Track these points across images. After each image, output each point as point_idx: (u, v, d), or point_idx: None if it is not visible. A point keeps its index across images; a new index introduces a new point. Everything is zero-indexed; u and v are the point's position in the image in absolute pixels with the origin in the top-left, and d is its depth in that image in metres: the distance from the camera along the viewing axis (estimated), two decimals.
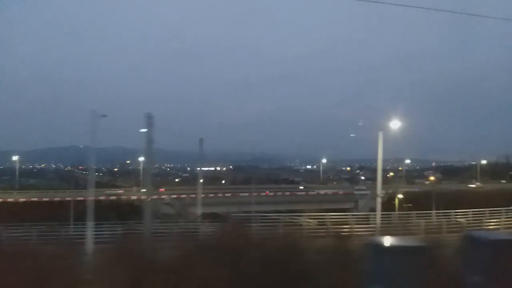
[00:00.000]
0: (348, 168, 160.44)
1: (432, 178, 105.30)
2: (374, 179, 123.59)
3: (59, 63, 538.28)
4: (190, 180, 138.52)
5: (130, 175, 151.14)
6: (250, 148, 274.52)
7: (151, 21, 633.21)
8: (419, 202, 60.39)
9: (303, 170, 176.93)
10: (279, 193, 63.79)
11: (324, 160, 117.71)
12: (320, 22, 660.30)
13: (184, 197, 54.02)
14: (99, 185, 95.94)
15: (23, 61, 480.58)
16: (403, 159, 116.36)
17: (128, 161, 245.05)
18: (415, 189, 69.60)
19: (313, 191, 65.08)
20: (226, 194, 61.10)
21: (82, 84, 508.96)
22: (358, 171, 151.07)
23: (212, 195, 58.06)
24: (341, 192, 64.77)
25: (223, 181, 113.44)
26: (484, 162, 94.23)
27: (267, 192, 64.33)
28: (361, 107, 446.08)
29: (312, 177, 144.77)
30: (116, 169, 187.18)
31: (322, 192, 64.48)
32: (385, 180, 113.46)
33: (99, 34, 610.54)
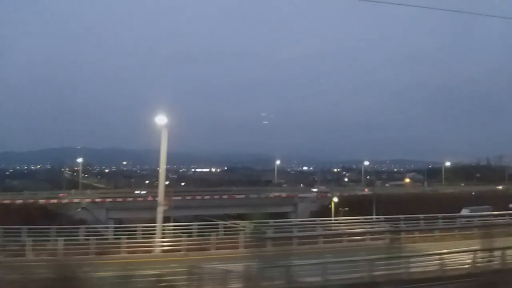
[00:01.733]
0: (335, 170, 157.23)
1: (407, 180, 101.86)
2: (358, 180, 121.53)
3: (56, 62, 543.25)
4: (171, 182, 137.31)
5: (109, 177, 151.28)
6: (250, 149, 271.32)
7: (148, 21, 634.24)
8: (362, 206, 57.85)
9: (294, 172, 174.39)
10: (224, 197, 61.36)
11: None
12: (318, 24, 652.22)
13: (100, 201, 51.86)
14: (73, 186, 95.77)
15: (20, 60, 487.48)
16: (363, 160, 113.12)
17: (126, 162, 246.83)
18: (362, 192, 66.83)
19: (255, 195, 62.21)
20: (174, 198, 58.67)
21: (81, 83, 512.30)
22: (344, 172, 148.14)
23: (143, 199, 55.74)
24: (284, 195, 61.88)
25: (183, 183, 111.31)
26: (448, 164, 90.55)
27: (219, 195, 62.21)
28: (359, 108, 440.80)
29: (296, 179, 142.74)
30: (107, 170, 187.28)
31: (263, 195, 61.68)
32: (339, 182, 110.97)
33: (98, 34, 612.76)
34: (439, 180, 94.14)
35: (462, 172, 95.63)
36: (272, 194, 62.40)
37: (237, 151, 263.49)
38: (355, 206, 57.77)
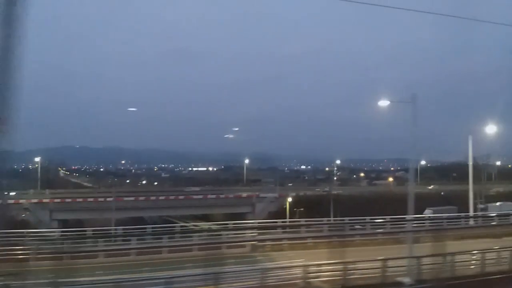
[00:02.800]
0: (327, 169, 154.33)
1: (390, 179, 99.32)
2: (347, 179, 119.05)
3: (54, 61, 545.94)
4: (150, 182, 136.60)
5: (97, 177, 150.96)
6: (249, 149, 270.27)
7: (145, 20, 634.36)
8: (321, 205, 56.25)
9: (288, 171, 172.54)
10: (180, 197, 59.54)
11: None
12: (316, 21, 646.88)
13: (47, 202, 50.61)
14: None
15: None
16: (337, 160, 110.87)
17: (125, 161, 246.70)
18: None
19: (213, 195, 60.40)
20: (126, 199, 57.30)
21: (79, 83, 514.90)
22: (335, 171, 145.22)
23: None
24: (244, 195, 60.02)
25: (156, 183, 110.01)
26: (423, 162, 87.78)
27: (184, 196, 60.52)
28: (359, 106, 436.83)
29: (287, 178, 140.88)
30: (102, 169, 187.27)
31: (223, 196, 59.81)
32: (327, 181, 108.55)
33: (98, 33, 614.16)
34: (425, 178, 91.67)
35: (449, 171, 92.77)
36: (232, 194, 60.56)
37: (236, 150, 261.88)
38: (314, 206, 56.09)
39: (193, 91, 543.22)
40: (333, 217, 50.11)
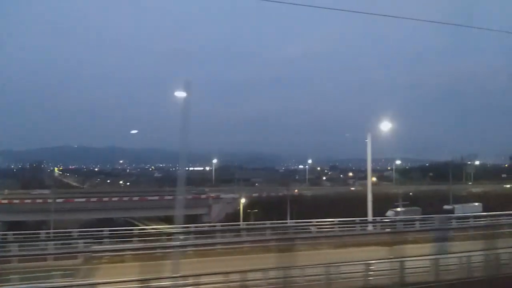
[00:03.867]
0: (319, 168, 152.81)
1: (374, 179, 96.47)
2: (336, 179, 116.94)
3: (51, 60, 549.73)
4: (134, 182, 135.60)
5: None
6: (248, 148, 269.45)
7: (144, 20, 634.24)
8: (279, 207, 54.38)
9: (282, 171, 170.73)
10: (135, 198, 57.76)
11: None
12: (316, 23, 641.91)
13: None
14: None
15: (15, 59, 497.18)
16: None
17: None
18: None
19: (170, 196, 58.31)
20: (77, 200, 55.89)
21: (78, 83, 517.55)
22: (326, 171, 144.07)
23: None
24: (203, 196, 58.16)
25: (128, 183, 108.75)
26: (398, 162, 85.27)
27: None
28: (358, 107, 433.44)
29: (277, 178, 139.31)
30: (96, 169, 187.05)
31: (181, 196, 57.55)
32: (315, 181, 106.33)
33: (97, 33, 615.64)
34: (410, 178, 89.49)
35: (432, 171, 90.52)
36: (191, 195, 58.63)
37: (235, 150, 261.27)
38: (274, 208, 54.26)
39: (194, 91, 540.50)
40: (289, 219, 48.31)
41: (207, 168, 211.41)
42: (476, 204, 53.76)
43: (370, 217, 39.56)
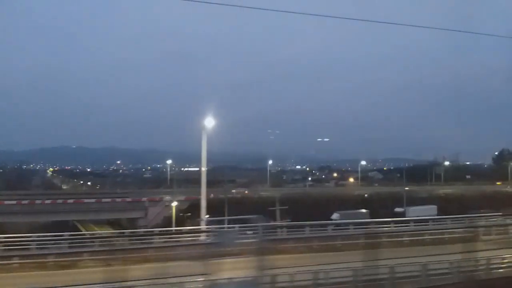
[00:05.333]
0: (308, 169, 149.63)
1: (351, 180, 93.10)
2: (323, 180, 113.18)
3: (50, 60, 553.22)
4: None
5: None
6: (246, 149, 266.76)
7: (144, 20, 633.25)
8: (217, 210, 50.87)
9: (275, 171, 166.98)
10: (70, 201, 54.65)
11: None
12: (316, 23, 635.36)
13: None
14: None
15: (17, 59, 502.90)
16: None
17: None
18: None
19: (108, 199, 55.36)
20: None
21: (76, 83, 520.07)
22: (313, 171, 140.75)
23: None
24: (144, 199, 54.98)
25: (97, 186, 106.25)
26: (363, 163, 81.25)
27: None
28: (356, 108, 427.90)
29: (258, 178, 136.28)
30: (89, 170, 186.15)
31: (119, 199, 54.79)
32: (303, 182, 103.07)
33: (95, 34, 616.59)
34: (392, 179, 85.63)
35: (412, 172, 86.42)
36: (130, 198, 55.60)
37: (233, 150, 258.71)
38: (212, 210, 50.89)
39: (192, 91, 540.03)
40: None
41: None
42: (431, 206, 50.01)
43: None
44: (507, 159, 78.12)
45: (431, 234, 23.35)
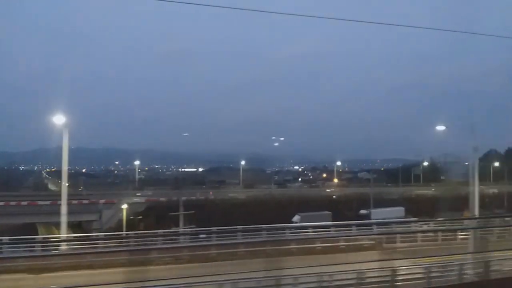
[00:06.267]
0: (300, 169, 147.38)
1: (336, 180, 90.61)
2: (311, 181, 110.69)
3: (48, 60, 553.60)
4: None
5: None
6: (245, 149, 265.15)
7: (145, 19, 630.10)
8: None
9: (269, 172, 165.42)
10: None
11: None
12: (315, 23, 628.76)
13: None
14: None
15: (14, 57, 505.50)
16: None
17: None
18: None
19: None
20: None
21: (74, 83, 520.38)
22: (305, 172, 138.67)
23: None
24: (102, 201, 52.77)
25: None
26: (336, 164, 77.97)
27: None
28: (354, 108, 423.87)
29: (258, 179, 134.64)
30: (83, 171, 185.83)
31: (76, 202, 52.47)
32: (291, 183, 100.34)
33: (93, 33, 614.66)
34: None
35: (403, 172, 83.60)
36: (87, 200, 53.32)
37: (232, 150, 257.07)
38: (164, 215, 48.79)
39: (192, 91, 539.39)
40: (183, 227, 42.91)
41: (200, 169, 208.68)
42: (398, 208, 47.33)
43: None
44: (490, 160, 75.43)
45: (330, 242, 20.83)
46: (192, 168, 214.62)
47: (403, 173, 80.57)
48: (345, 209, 48.85)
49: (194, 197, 58.02)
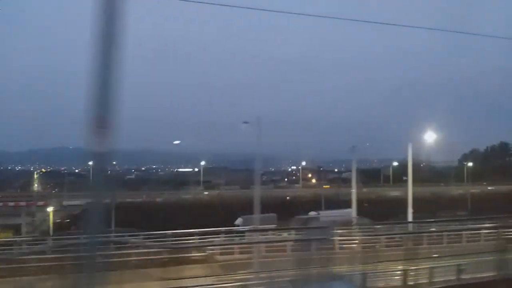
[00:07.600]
0: (290, 169, 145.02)
1: (313, 180, 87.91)
2: (292, 181, 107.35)
3: (46, 60, 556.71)
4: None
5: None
6: (244, 149, 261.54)
7: (143, 18, 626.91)
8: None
9: (262, 172, 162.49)
10: None
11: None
12: (315, 23, 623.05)
13: None
14: None
15: (13, 59, 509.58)
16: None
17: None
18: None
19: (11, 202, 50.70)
20: None
21: (74, 83, 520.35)
22: (293, 171, 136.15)
23: None
24: (41, 203, 50.07)
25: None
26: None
27: None
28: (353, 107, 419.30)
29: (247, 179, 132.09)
30: (77, 171, 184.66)
31: (12, 204, 49.92)
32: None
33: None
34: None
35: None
36: (24, 202, 50.51)
37: (231, 150, 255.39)
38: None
39: (192, 91, 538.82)
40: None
41: (196, 169, 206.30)
42: (347, 210, 44.12)
43: None
44: (469, 160, 71.92)
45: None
46: (188, 168, 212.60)
47: (376, 174, 77.70)
48: (295, 211, 45.86)
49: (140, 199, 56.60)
